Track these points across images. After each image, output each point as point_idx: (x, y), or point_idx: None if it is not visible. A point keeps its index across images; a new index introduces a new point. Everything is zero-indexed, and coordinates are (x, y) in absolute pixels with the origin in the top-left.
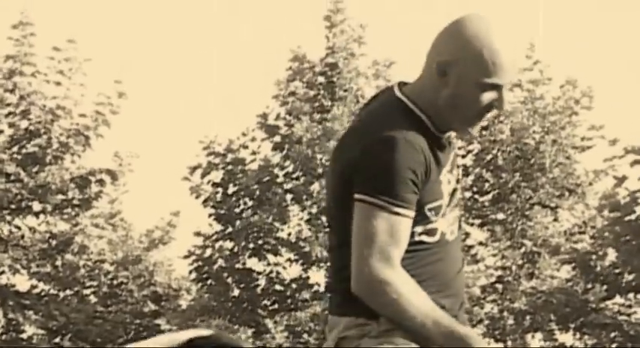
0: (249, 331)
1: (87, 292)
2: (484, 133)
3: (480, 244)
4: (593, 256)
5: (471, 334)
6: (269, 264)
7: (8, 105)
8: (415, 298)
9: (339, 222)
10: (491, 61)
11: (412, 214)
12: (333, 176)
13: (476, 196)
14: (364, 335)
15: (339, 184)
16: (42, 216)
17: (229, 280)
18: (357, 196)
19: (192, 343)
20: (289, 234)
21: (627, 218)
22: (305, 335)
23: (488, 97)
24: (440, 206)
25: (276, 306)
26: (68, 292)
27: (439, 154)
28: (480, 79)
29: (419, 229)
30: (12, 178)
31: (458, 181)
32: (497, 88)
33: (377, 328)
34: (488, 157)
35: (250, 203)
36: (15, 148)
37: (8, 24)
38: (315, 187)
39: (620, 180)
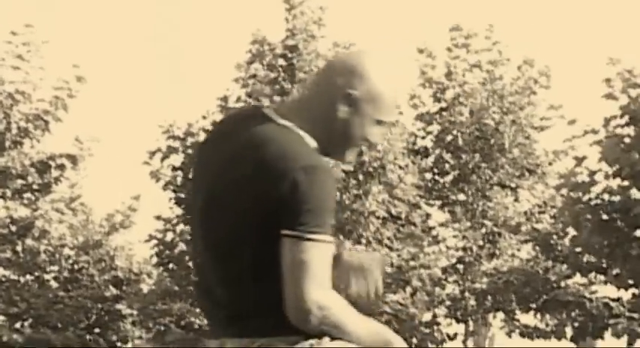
0: None
1: (47, 277)
2: (444, 114)
3: (441, 225)
4: (554, 236)
5: (394, 337)
6: None
7: None
8: (353, 317)
9: (251, 252)
10: (389, 103)
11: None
12: (241, 204)
13: (436, 178)
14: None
15: (258, 215)
16: (1, 201)
17: (191, 263)
18: (289, 232)
19: None
20: None
21: (586, 198)
22: None
23: (376, 131)
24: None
25: None
26: (29, 277)
27: None
28: (378, 116)
29: None
30: None
31: None
32: (383, 125)
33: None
34: (448, 138)
35: None
36: None
37: None
38: None
39: (580, 160)
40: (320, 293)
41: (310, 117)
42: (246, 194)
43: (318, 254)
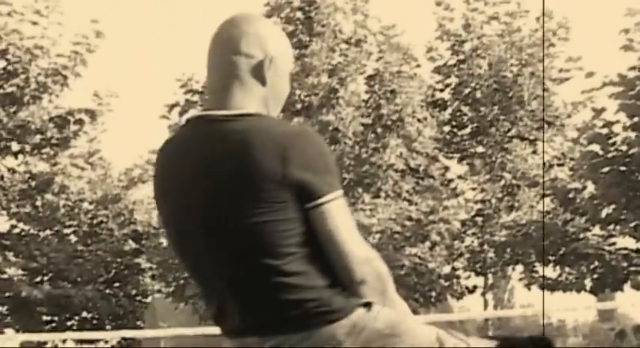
0: None
1: (67, 231)
2: (462, 66)
3: (460, 177)
4: (572, 188)
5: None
6: None
7: None
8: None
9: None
10: (291, 54)
11: None
12: (241, 191)
13: (454, 130)
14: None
15: (271, 191)
16: (20, 156)
17: None
18: (323, 199)
19: None
20: None
21: (603, 150)
22: None
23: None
24: None
25: None
26: (48, 232)
27: None
28: (289, 69)
29: None
30: None
31: None
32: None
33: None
34: (467, 90)
35: None
36: None
37: None
38: (294, 122)
39: (598, 112)
40: (365, 248)
41: (244, 96)
42: (249, 177)
43: (344, 211)
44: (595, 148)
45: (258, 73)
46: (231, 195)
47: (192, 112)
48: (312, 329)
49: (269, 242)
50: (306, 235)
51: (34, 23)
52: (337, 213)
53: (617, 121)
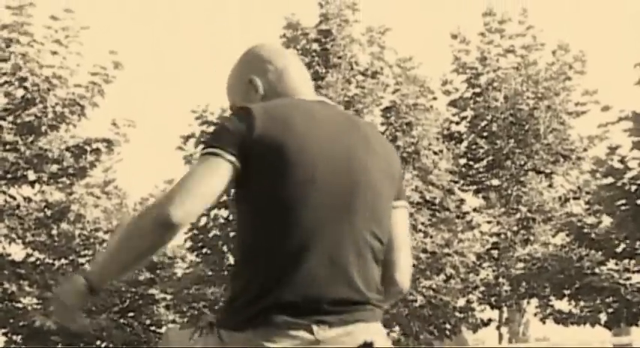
0: None
1: (82, 261)
2: (478, 99)
3: (475, 210)
4: (588, 222)
5: None
6: None
7: (4, 74)
8: None
9: (385, 225)
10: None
11: None
12: (388, 178)
13: (470, 163)
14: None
15: (392, 188)
16: (37, 185)
17: (224, 248)
18: (405, 203)
19: None
20: None
21: (620, 183)
22: None
23: None
24: None
25: None
26: (63, 261)
27: None
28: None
29: None
30: (8, 147)
31: None
32: None
33: None
34: (482, 123)
35: None
36: (10, 118)
37: None
38: None
39: (613, 149)
40: None
41: None
42: (390, 168)
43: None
44: (610, 181)
45: None
46: (386, 176)
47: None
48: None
49: (385, 228)
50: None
51: (54, 53)
52: (407, 221)
53: (632, 158)
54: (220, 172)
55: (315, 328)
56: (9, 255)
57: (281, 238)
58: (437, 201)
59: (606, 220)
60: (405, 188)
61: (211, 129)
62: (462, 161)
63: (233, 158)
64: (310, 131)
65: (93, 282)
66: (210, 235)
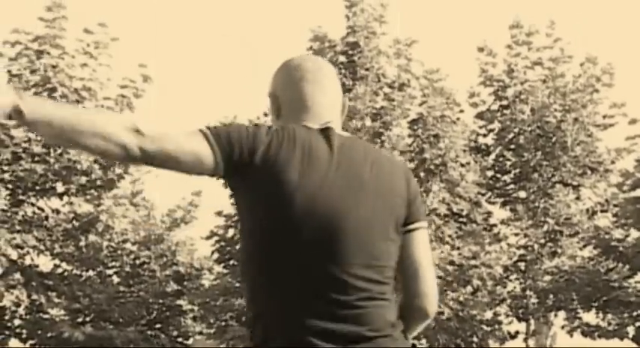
0: None
1: (109, 272)
2: (505, 112)
3: (502, 223)
4: (615, 235)
5: None
6: None
7: (34, 85)
8: None
9: (389, 249)
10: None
11: None
12: (388, 203)
13: (497, 175)
14: None
15: (400, 211)
16: (65, 197)
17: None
18: (422, 224)
19: None
20: None
21: None
22: None
23: None
24: None
25: None
26: (91, 272)
27: None
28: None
29: None
30: (37, 158)
31: None
32: None
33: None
34: (510, 136)
35: None
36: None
37: (42, 6)
38: None
39: None
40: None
41: (340, 121)
42: (392, 191)
43: (428, 242)
44: (638, 194)
45: (342, 109)
46: (386, 202)
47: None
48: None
49: (385, 255)
50: (394, 256)
51: (84, 65)
52: (427, 241)
53: None
54: (196, 147)
55: None
56: (37, 266)
57: (268, 279)
58: (464, 213)
59: (634, 233)
60: (422, 207)
61: None
62: (489, 173)
63: (218, 150)
64: (304, 169)
65: (23, 107)
66: (238, 246)
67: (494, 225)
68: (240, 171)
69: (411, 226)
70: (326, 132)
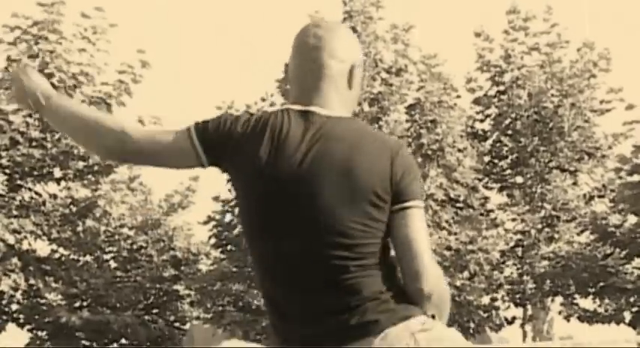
0: None
1: (107, 257)
2: (502, 97)
3: (499, 208)
4: (612, 220)
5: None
6: None
7: None
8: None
9: (366, 227)
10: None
11: None
12: (368, 179)
13: (494, 161)
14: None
15: (378, 190)
16: (63, 182)
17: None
18: (413, 203)
19: None
20: None
21: None
22: None
23: None
24: None
25: None
26: (88, 257)
27: None
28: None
29: None
30: (34, 143)
31: None
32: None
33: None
34: (507, 121)
35: None
36: (37, 114)
37: None
38: None
39: (639, 147)
40: (437, 265)
41: (337, 98)
42: (368, 172)
43: (424, 221)
44: (636, 179)
45: (349, 77)
46: (357, 185)
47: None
48: (388, 328)
49: (360, 233)
50: (384, 236)
51: (82, 50)
52: (421, 220)
53: None
54: (180, 144)
55: None
56: (34, 251)
57: (255, 259)
58: (461, 198)
59: (632, 219)
60: (414, 186)
61: None
62: (486, 159)
63: (199, 146)
64: (270, 157)
65: (44, 99)
66: (235, 232)
67: (492, 210)
68: (222, 162)
69: (399, 205)
70: (305, 115)
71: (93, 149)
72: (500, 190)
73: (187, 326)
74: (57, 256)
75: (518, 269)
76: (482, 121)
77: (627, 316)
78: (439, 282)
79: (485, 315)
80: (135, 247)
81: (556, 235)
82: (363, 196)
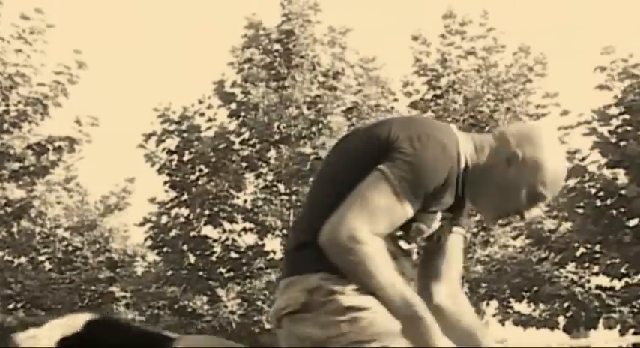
0: (205, 299)
1: (42, 258)
2: (438, 101)
3: None
4: (547, 225)
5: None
6: (224, 231)
7: None
8: (386, 270)
9: (343, 186)
10: (552, 179)
11: (412, 213)
12: (361, 144)
13: None
14: (339, 291)
15: (369, 151)
16: None
17: (184, 247)
18: (381, 166)
19: None
20: (245, 201)
21: (580, 186)
22: (259, 302)
23: (527, 202)
24: (419, 230)
25: (231, 273)
26: (23, 259)
27: (449, 194)
28: (538, 187)
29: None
30: None
31: (438, 237)
32: (538, 199)
33: (351, 285)
34: None
35: (206, 171)
36: None
37: None
38: (272, 154)
39: (573, 153)
40: (365, 228)
41: (479, 157)
42: (370, 136)
43: (388, 199)
44: (571, 183)
45: (498, 158)
46: (329, 178)
47: (170, 141)
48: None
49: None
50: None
51: (19, 50)
52: (371, 182)
53: (593, 162)
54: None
55: None
56: None
57: None
58: None
59: (566, 224)
60: (392, 156)
61: (172, 127)
62: None
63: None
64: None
65: None
66: (172, 234)
67: None
68: None
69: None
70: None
71: None
72: None
73: None
74: None
75: None
76: None
77: (561, 321)
78: (333, 231)
79: None
80: (70, 248)
81: (491, 239)
82: (332, 184)
